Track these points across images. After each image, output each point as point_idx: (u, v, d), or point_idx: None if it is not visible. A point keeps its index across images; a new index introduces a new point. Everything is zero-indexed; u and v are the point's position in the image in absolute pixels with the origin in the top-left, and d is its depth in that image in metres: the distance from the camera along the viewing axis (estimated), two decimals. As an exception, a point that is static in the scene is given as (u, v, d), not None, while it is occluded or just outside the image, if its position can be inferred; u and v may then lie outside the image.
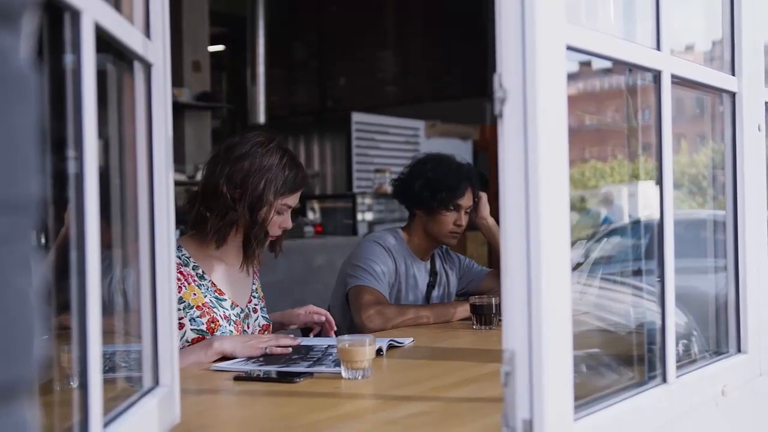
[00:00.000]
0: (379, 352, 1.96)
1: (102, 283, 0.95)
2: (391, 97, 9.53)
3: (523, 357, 1.07)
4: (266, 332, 2.26)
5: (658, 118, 1.42)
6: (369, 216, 7.01)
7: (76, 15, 0.89)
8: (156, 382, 1.27)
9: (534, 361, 1.06)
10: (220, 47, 10.02)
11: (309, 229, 6.22)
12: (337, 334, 2.33)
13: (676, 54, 1.53)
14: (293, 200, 2.18)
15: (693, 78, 1.57)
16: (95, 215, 0.92)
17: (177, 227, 2.47)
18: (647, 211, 1.54)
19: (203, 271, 2.14)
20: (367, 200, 7.04)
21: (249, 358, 1.94)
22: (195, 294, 2.09)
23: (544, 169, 1.06)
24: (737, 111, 1.70)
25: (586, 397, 1.23)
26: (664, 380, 1.41)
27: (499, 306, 2.38)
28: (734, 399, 1.61)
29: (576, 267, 1.91)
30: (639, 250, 1.67)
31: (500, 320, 1.91)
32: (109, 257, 1.25)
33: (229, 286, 2.19)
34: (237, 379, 1.77)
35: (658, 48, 1.42)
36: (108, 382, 1.17)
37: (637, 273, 1.68)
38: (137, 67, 1.21)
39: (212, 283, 2.15)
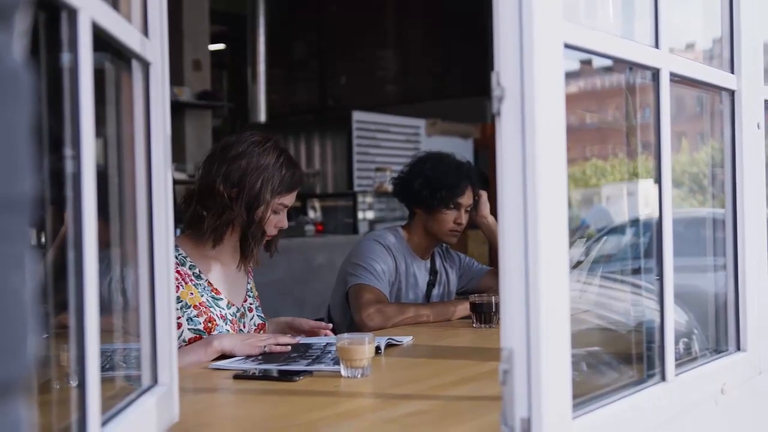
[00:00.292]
0: (377, 350, 1.96)
1: (102, 282, 0.95)
2: (392, 96, 9.53)
3: (522, 355, 1.07)
4: (262, 331, 2.26)
5: (657, 116, 1.42)
6: (370, 215, 7.01)
7: (73, 13, 0.89)
8: (154, 380, 1.27)
9: (532, 359, 1.06)
10: (220, 46, 10.01)
11: (310, 227, 6.22)
12: (336, 333, 2.32)
13: (677, 52, 1.53)
14: (290, 199, 2.18)
15: (692, 76, 1.57)
16: (92, 214, 0.92)
17: (176, 226, 2.47)
18: (647, 209, 1.54)
19: (200, 271, 2.14)
20: (368, 199, 7.04)
21: (248, 357, 1.95)
22: (192, 293, 2.10)
23: (542, 168, 1.06)
24: (736, 109, 1.70)
25: (584, 395, 1.23)
26: (663, 378, 1.41)
27: (499, 304, 2.37)
28: (733, 397, 1.61)
29: (576, 265, 1.91)
30: (639, 248, 1.67)
31: (500, 319, 1.90)
32: (109, 257, 1.25)
33: (225, 285, 2.19)
34: (236, 377, 1.77)
35: (657, 46, 1.41)
36: (107, 381, 1.18)
37: (637, 271, 1.68)
38: (135, 65, 1.22)
39: (208, 282, 2.15)
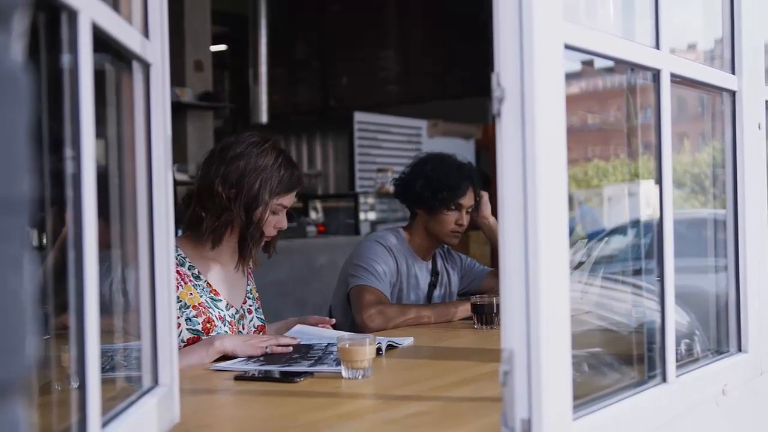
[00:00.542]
0: (378, 351, 1.96)
1: (103, 283, 0.95)
2: (393, 97, 9.53)
3: (522, 356, 1.07)
4: (261, 333, 2.26)
5: (658, 117, 1.42)
6: (371, 215, 7.01)
7: (73, 15, 0.90)
8: (155, 381, 1.27)
9: (533, 360, 1.06)
10: (222, 47, 10.02)
11: (311, 228, 6.22)
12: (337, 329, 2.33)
13: (678, 53, 1.53)
14: (288, 200, 2.18)
15: (693, 77, 1.57)
16: (93, 215, 0.92)
17: (177, 227, 2.47)
18: (649, 210, 1.53)
19: (199, 272, 2.14)
20: (370, 200, 7.04)
21: (249, 358, 1.94)
22: (191, 294, 2.10)
23: (542, 169, 1.06)
24: (737, 110, 1.70)
25: (585, 396, 1.22)
26: (664, 379, 1.40)
27: (500, 305, 2.37)
28: (735, 398, 1.60)
29: (578, 266, 1.91)
30: (640, 249, 1.67)
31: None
32: (110, 258, 1.26)
33: (225, 286, 2.19)
34: (237, 378, 1.77)
35: (657, 47, 1.41)
36: (107, 382, 1.18)
37: (638, 272, 1.68)
38: (136, 66, 1.22)
39: (208, 283, 2.15)
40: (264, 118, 8.61)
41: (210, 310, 2.11)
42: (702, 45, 1.94)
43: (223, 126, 8.81)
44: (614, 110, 1.84)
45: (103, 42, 1.01)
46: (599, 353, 1.53)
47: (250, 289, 2.30)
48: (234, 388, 1.74)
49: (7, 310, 0.49)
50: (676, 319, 1.44)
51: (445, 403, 1.55)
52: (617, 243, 2.13)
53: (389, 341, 2.13)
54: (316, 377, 1.76)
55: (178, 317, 2.04)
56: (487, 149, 7.76)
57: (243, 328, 2.21)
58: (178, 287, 2.06)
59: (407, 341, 2.20)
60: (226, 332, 2.12)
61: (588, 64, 1.39)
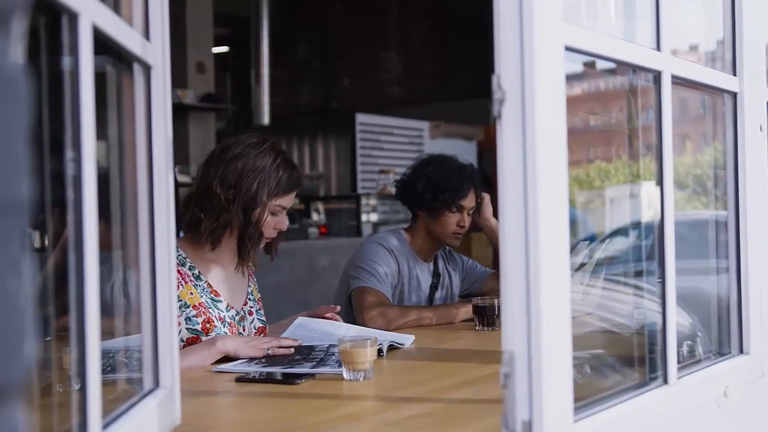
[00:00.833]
0: (379, 353, 1.96)
1: (104, 285, 0.95)
2: (395, 98, 9.52)
3: (523, 358, 1.06)
4: (262, 334, 2.26)
5: (659, 118, 1.42)
6: (373, 217, 7.00)
7: (73, 17, 0.90)
8: (156, 383, 1.27)
9: (533, 362, 1.06)
10: (224, 48, 10.02)
11: (313, 230, 6.22)
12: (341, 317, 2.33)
13: (679, 54, 1.53)
14: (287, 201, 2.18)
15: (694, 78, 1.57)
16: (93, 217, 0.92)
17: (178, 229, 2.47)
18: (650, 211, 1.53)
19: (199, 272, 2.14)
20: (372, 201, 7.04)
21: (251, 359, 1.94)
22: (192, 293, 2.10)
23: (542, 170, 1.06)
24: (739, 111, 1.70)
25: (586, 398, 1.22)
26: (665, 381, 1.40)
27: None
28: (736, 400, 1.60)
29: (579, 268, 1.91)
30: (641, 250, 1.67)
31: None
32: (111, 260, 1.26)
33: (225, 288, 2.19)
34: (238, 380, 1.77)
35: (658, 48, 1.41)
36: (108, 384, 1.18)
37: (640, 274, 1.68)
38: (137, 69, 1.22)
39: (208, 284, 2.15)
40: (266, 119, 8.61)
41: (210, 310, 2.11)
42: (703, 46, 1.94)
43: (225, 127, 8.81)
44: (616, 111, 1.84)
45: (103, 44, 1.01)
46: (600, 355, 1.53)
47: (251, 291, 2.30)
48: (235, 390, 1.74)
49: (7, 312, 0.49)
50: (677, 320, 1.44)
51: (446, 405, 1.55)
52: (619, 244, 2.13)
53: (391, 341, 2.13)
54: (318, 379, 1.76)
55: (178, 316, 2.04)
56: (489, 151, 7.75)
57: (243, 330, 2.21)
58: (178, 287, 2.06)
59: (409, 340, 2.20)
60: (226, 333, 2.12)
61: (590, 65, 1.39)
